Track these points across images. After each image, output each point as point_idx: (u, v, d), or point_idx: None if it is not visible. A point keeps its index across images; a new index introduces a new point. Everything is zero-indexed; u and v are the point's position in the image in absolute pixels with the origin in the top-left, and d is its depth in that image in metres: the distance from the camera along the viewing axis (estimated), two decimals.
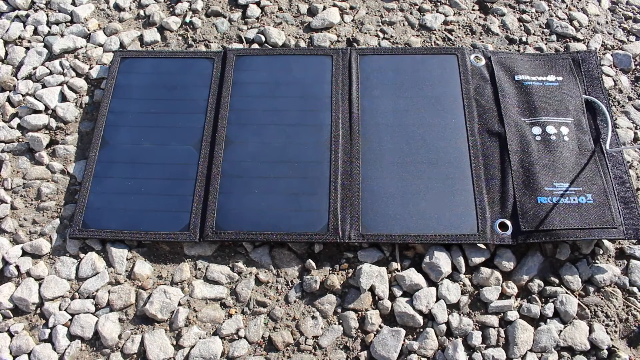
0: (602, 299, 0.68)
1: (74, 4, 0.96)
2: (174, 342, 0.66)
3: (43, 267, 0.71)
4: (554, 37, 0.90)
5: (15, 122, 0.83)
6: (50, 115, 0.83)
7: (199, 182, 0.74)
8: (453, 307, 0.67)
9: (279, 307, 0.68)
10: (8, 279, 0.70)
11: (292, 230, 0.70)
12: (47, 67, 0.88)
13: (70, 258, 0.72)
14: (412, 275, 0.68)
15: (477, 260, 0.69)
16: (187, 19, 0.93)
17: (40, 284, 0.70)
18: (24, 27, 0.93)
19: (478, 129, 0.77)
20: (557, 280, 0.69)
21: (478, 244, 0.70)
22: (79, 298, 0.69)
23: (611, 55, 0.89)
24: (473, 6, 0.95)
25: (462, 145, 0.76)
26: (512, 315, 0.66)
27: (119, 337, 0.66)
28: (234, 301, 0.69)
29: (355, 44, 0.89)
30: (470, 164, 0.74)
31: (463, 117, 0.78)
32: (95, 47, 0.90)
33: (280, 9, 0.94)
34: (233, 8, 0.95)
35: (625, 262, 0.71)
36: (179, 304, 0.68)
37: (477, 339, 0.65)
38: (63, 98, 0.85)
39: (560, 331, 0.65)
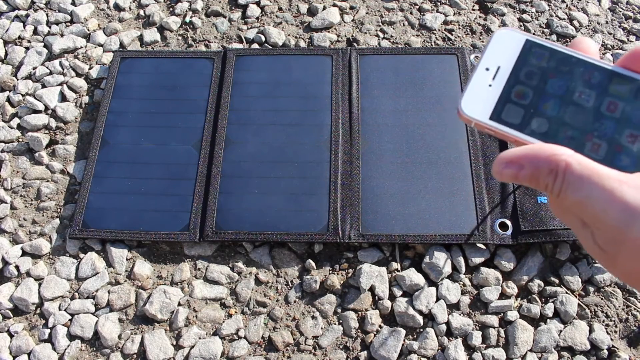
0: (602, 299, 0.68)
1: (74, 4, 0.96)
2: (174, 342, 0.66)
3: (43, 267, 0.71)
4: (554, 37, 0.90)
5: (15, 122, 0.83)
6: (50, 115, 0.83)
7: (199, 182, 0.74)
8: (453, 307, 0.67)
9: (279, 307, 0.68)
10: (8, 279, 0.70)
11: (292, 230, 0.70)
12: (47, 67, 0.88)
13: (70, 258, 0.71)
14: (412, 275, 0.68)
15: (477, 260, 0.69)
16: (187, 19, 0.93)
17: (40, 284, 0.69)
18: (24, 27, 0.93)
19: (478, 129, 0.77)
20: (557, 280, 0.69)
21: (478, 244, 0.70)
22: (79, 298, 0.69)
23: (611, 55, 0.89)
24: (473, 6, 0.95)
25: (462, 145, 0.76)
26: (512, 315, 0.66)
27: (119, 337, 0.66)
28: (234, 301, 0.69)
29: (355, 44, 0.89)
30: (470, 164, 0.74)
31: None
32: (95, 47, 0.90)
33: (280, 9, 0.94)
34: (233, 8, 0.95)
35: None
36: (179, 304, 0.68)
37: (477, 339, 0.65)
38: (63, 98, 0.85)
39: (560, 331, 0.65)
